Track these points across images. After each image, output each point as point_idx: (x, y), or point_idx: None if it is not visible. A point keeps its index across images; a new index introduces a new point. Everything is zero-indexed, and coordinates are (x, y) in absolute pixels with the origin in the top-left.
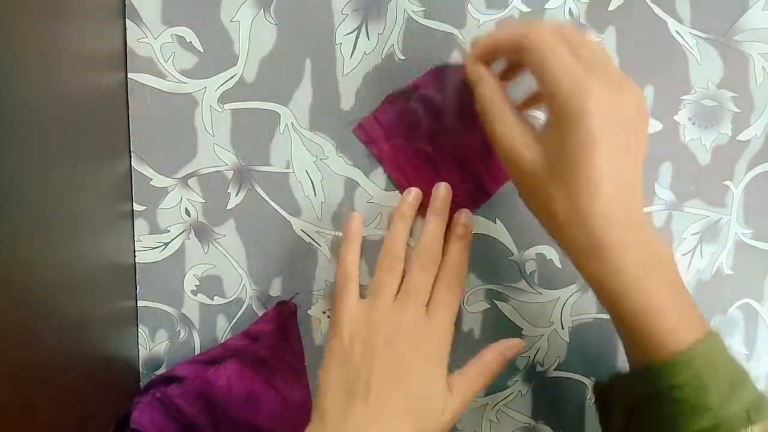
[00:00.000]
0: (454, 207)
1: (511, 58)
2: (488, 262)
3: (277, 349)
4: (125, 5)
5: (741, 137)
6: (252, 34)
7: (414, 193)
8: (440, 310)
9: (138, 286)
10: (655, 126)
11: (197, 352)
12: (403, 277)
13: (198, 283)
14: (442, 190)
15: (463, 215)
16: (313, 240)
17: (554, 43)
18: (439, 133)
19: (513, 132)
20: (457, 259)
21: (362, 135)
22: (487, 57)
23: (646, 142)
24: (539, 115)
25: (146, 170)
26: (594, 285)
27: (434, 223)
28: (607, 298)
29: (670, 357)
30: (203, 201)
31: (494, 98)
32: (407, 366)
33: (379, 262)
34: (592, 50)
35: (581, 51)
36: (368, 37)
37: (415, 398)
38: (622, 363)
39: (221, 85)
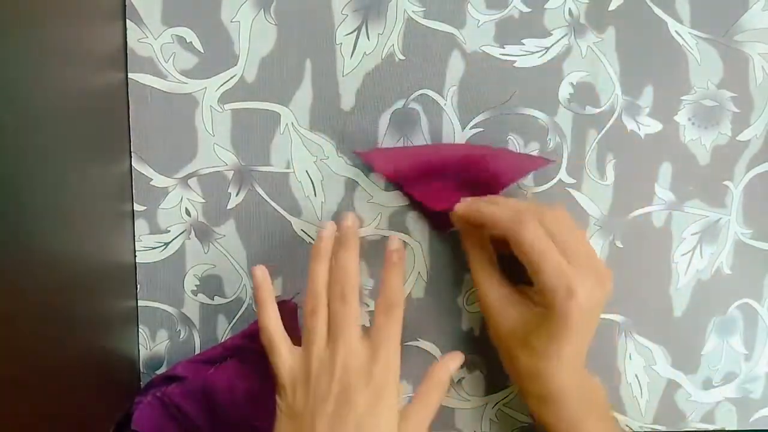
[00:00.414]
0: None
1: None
2: None
3: None
4: (125, 5)
5: (741, 137)
6: (252, 34)
7: (328, 230)
8: (379, 342)
9: (138, 286)
10: (655, 126)
11: (197, 351)
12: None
13: (198, 283)
14: (347, 221)
15: (395, 242)
16: (313, 240)
17: (545, 244)
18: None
19: (498, 302)
20: (390, 287)
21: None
22: (468, 221)
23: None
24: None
25: (146, 170)
26: (544, 425)
27: (342, 255)
28: None
29: None
30: (203, 201)
31: (483, 267)
32: (351, 404)
33: (304, 308)
34: (577, 244)
35: (568, 246)
36: (368, 38)
37: (366, 430)
38: (622, 363)
39: (221, 85)
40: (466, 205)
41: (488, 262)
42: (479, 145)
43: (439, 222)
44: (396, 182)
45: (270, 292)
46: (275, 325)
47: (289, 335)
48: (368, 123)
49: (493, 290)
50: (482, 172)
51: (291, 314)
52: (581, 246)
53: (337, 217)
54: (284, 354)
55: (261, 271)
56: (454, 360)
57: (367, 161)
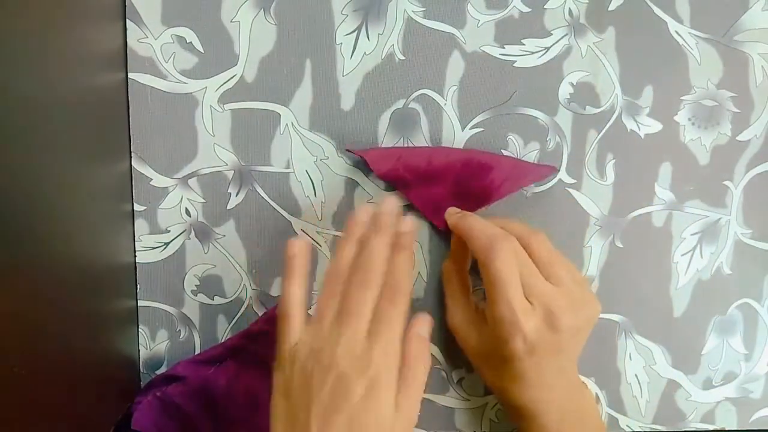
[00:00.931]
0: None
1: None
2: None
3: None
4: (125, 5)
5: (741, 137)
6: (252, 34)
7: (365, 214)
8: (381, 329)
9: (138, 286)
10: (655, 126)
11: (197, 351)
12: None
13: (198, 283)
14: (387, 205)
15: (406, 224)
16: (313, 240)
17: (509, 276)
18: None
19: (462, 322)
20: (399, 272)
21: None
22: (455, 231)
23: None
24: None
25: (146, 170)
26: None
27: (374, 239)
28: None
29: None
30: (203, 201)
31: (453, 288)
32: (347, 393)
33: (322, 286)
34: (559, 268)
35: (551, 269)
36: (368, 38)
37: (358, 423)
38: (622, 363)
39: (221, 85)
40: (455, 218)
41: (455, 285)
42: (480, 151)
43: (436, 220)
44: (391, 182)
45: (304, 266)
46: (298, 297)
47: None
48: (368, 123)
49: (458, 314)
50: (481, 180)
51: None
52: (562, 270)
53: (338, 217)
54: (295, 328)
55: (301, 243)
56: (423, 325)
57: (362, 159)
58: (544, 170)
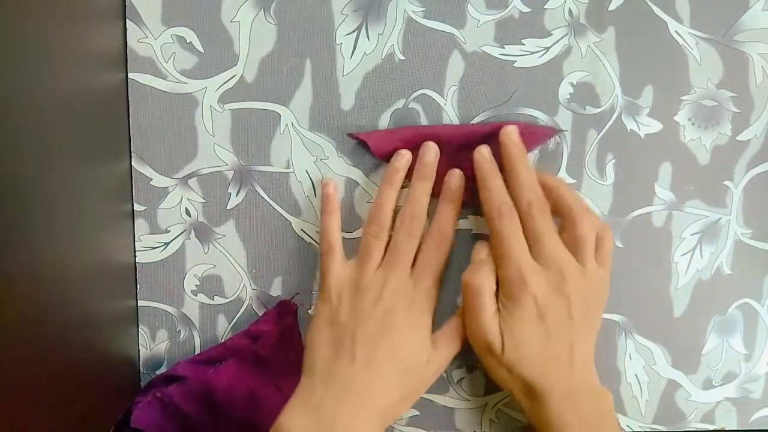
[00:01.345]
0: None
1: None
2: None
3: (277, 349)
4: (125, 5)
5: (741, 137)
6: (252, 34)
7: (403, 159)
8: (424, 271)
9: (138, 286)
10: (655, 126)
11: (197, 351)
12: (389, 242)
13: (198, 283)
14: (429, 155)
15: (454, 178)
16: (313, 240)
17: (515, 234)
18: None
19: (491, 326)
20: (444, 221)
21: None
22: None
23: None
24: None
25: (146, 170)
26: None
27: (419, 188)
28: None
29: None
30: (203, 201)
31: (486, 291)
32: (392, 324)
33: (366, 227)
34: (586, 251)
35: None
36: (368, 38)
37: (400, 352)
38: (622, 363)
39: (221, 85)
40: (485, 168)
41: (493, 296)
42: (481, 124)
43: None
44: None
45: (338, 206)
46: (337, 233)
47: (289, 336)
48: (368, 123)
49: (489, 322)
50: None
51: (291, 314)
52: (588, 252)
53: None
54: (338, 262)
55: (335, 183)
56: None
57: (363, 142)
58: (547, 132)
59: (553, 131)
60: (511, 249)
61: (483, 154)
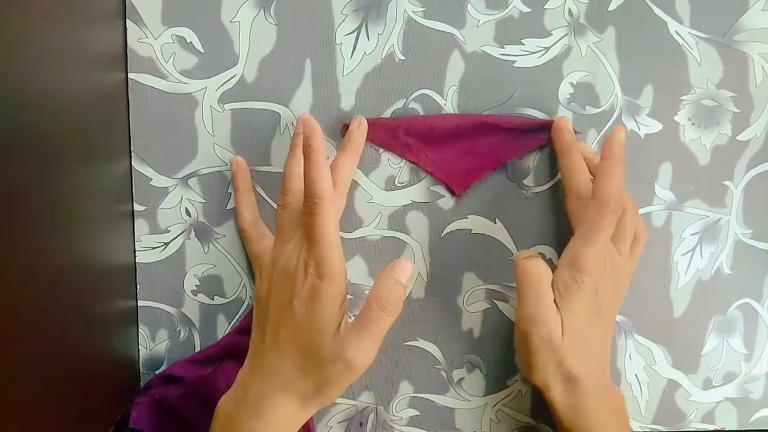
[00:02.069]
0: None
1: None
2: (488, 262)
3: None
4: (125, 6)
5: (741, 137)
6: (252, 34)
7: (304, 121)
8: (308, 234)
9: (138, 286)
10: (655, 126)
11: (197, 351)
12: None
13: (198, 283)
14: (354, 123)
15: (357, 123)
16: None
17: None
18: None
19: (553, 314)
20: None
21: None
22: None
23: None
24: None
25: (146, 170)
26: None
27: (311, 158)
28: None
29: None
30: (203, 201)
31: (546, 281)
32: (292, 294)
33: (279, 202)
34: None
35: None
36: (368, 38)
37: (299, 328)
38: (622, 362)
39: (221, 85)
40: (567, 139)
41: (550, 283)
42: (486, 115)
43: (453, 183)
44: (392, 151)
45: (247, 181)
46: (250, 215)
47: None
48: None
49: (545, 309)
50: (493, 139)
51: None
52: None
53: None
54: (255, 244)
55: (238, 161)
56: (403, 271)
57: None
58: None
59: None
60: (600, 240)
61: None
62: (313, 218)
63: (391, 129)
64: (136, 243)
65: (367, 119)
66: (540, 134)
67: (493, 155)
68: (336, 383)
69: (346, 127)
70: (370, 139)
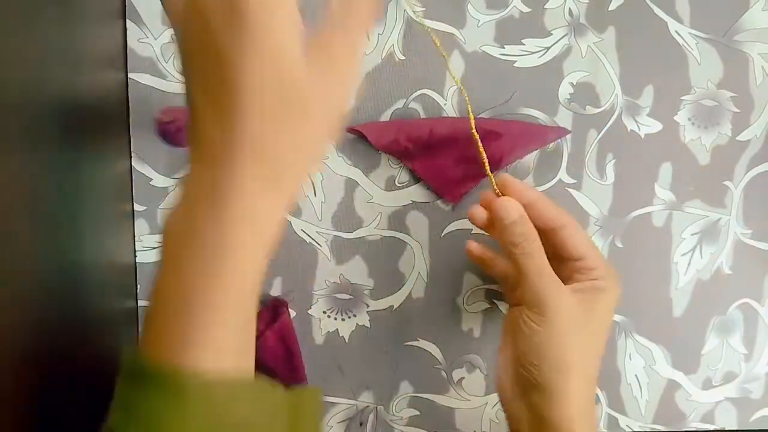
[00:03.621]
0: None
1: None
2: None
3: (273, 350)
4: (126, 5)
5: (741, 137)
6: None
7: None
8: None
9: (139, 286)
10: (655, 126)
11: None
12: None
13: None
14: None
15: None
16: (313, 240)
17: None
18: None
19: (549, 287)
20: None
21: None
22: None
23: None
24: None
25: (147, 170)
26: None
27: None
28: None
29: None
30: None
31: (536, 253)
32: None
33: None
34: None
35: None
36: (368, 37)
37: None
38: (622, 363)
39: None
40: (518, 184)
41: (544, 255)
42: (485, 118)
43: (446, 192)
44: (393, 155)
45: None
46: None
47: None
48: (368, 122)
49: (561, 291)
50: (489, 146)
51: (285, 313)
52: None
53: (338, 217)
54: None
55: None
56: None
57: (363, 138)
58: (554, 133)
59: (560, 132)
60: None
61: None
62: None
63: (393, 132)
64: (136, 243)
65: (368, 123)
66: (539, 139)
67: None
68: (316, 140)
69: (351, 130)
70: (373, 142)
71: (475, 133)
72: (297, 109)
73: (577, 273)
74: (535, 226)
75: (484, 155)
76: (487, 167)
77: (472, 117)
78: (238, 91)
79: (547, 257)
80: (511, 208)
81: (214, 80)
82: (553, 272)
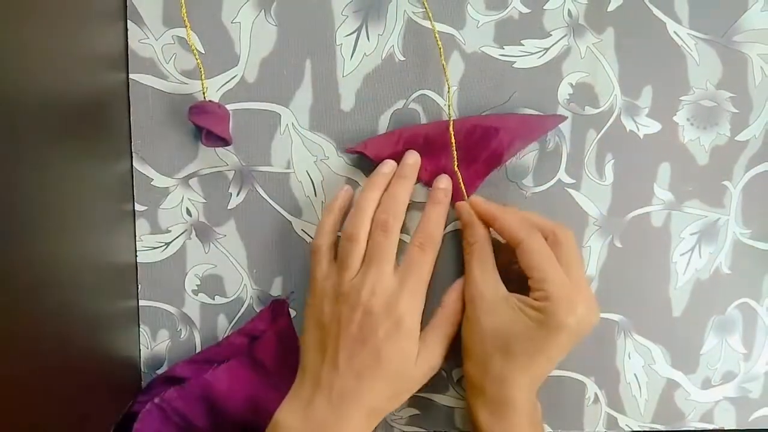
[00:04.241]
0: None
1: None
2: None
3: (274, 350)
4: (126, 6)
5: (739, 138)
6: (253, 35)
7: (389, 166)
8: (408, 272)
9: (139, 286)
10: (654, 126)
11: (198, 351)
12: None
13: (199, 283)
14: (410, 158)
15: (443, 181)
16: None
17: (552, 256)
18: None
19: (492, 300)
20: (432, 222)
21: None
22: (485, 222)
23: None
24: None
25: (147, 170)
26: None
27: (397, 186)
28: None
29: None
30: (204, 201)
31: (483, 262)
32: (373, 327)
33: (343, 232)
34: (579, 268)
35: (571, 267)
36: (368, 39)
37: (384, 357)
38: (621, 362)
39: (222, 85)
40: (478, 203)
41: (489, 259)
42: (482, 116)
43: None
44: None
45: (341, 208)
46: (328, 236)
47: (284, 336)
48: (368, 123)
49: (489, 288)
50: (488, 143)
51: (285, 314)
52: (581, 270)
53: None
54: (324, 263)
55: (348, 191)
56: (456, 287)
57: (362, 153)
58: (551, 121)
59: (557, 120)
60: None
61: (477, 203)
62: (425, 255)
63: (392, 143)
64: (137, 243)
65: (367, 141)
66: (538, 129)
67: (488, 160)
68: (414, 387)
69: (351, 151)
70: (374, 158)
71: (452, 132)
72: (414, 381)
73: (531, 290)
74: (504, 239)
75: (455, 155)
76: (456, 165)
77: (451, 114)
78: (366, 372)
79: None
80: (461, 207)
81: (346, 355)
82: (497, 279)
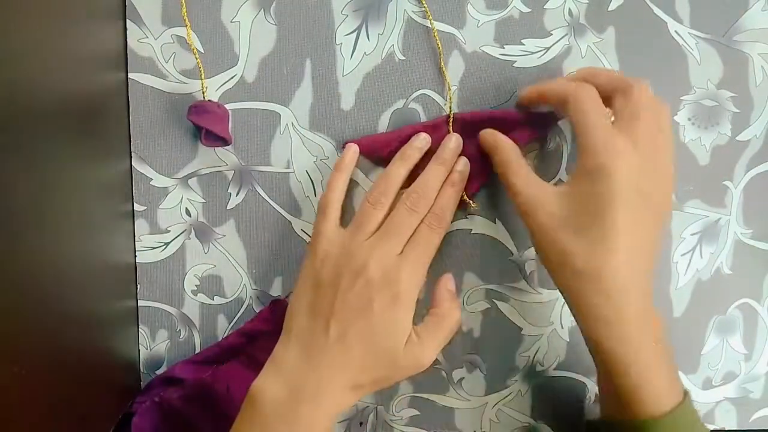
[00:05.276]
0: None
1: (555, 107)
2: (488, 262)
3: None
4: (125, 5)
5: (740, 137)
6: (252, 34)
7: (422, 138)
8: (415, 249)
9: (138, 286)
10: None
11: (198, 351)
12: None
13: (198, 283)
14: (452, 142)
15: (461, 163)
16: None
17: (594, 104)
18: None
19: (530, 187)
20: (445, 203)
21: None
22: (533, 102)
23: (663, 221)
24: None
25: (147, 170)
26: (594, 345)
27: (433, 170)
28: (606, 360)
29: (659, 416)
30: (203, 201)
31: (511, 160)
32: (370, 300)
33: (367, 195)
34: (642, 124)
35: (632, 123)
36: (368, 38)
37: (376, 332)
38: None
39: (222, 85)
40: (530, 87)
41: (522, 168)
42: (477, 111)
43: None
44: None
45: (350, 170)
46: (339, 193)
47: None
48: (368, 123)
49: (535, 191)
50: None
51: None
52: (646, 125)
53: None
54: (332, 222)
55: (354, 149)
56: (448, 281)
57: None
58: (551, 118)
59: (558, 115)
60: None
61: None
62: (434, 234)
63: (393, 143)
64: (136, 243)
65: (362, 138)
66: (531, 126)
67: (488, 160)
68: (399, 380)
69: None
70: (369, 157)
71: (451, 131)
72: (402, 365)
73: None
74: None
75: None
76: (451, 112)
77: (451, 115)
78: (356, 342)
79: None
80: (484, 134)
81: (339, 321)
82: (537, 180)
